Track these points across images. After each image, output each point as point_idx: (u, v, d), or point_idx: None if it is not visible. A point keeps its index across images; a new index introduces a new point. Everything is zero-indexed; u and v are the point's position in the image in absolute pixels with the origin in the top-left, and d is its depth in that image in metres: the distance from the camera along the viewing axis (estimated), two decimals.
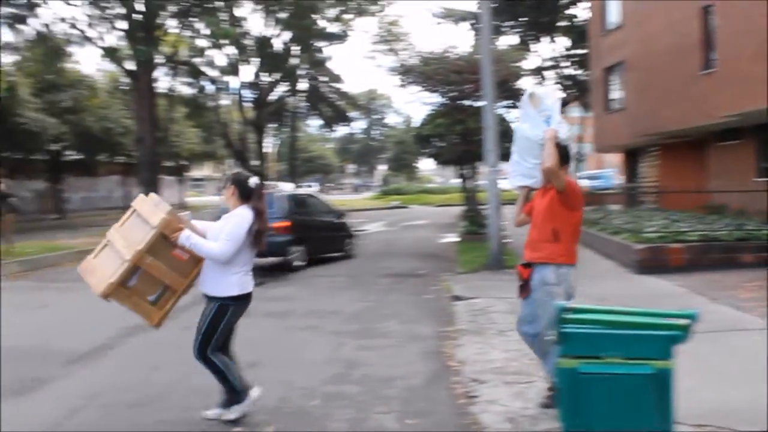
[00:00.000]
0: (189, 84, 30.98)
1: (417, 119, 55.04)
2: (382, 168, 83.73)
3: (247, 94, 33.94)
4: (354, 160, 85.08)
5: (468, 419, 4.57)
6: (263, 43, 28.40)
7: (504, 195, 12.25)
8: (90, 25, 22.19)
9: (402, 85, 18.93)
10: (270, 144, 40.61)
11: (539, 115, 4.88)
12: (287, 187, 44.79)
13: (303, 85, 37.61)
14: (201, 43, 27.18)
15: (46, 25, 21.98)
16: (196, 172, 61.41)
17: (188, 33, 25.50)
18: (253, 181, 4.74)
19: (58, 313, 8.75)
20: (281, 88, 35.66)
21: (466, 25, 31.94)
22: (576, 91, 33.12)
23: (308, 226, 13.18)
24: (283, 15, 28.50)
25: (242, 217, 4.57)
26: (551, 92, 5.41)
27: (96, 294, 4.49)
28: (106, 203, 35.58)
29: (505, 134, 12.33)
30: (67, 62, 25.61)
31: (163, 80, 26.23)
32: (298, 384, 5.27)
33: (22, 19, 21.19)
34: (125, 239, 4.63)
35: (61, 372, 5.93)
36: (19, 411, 4.91)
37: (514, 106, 17.05)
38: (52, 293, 10.25)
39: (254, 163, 34.72)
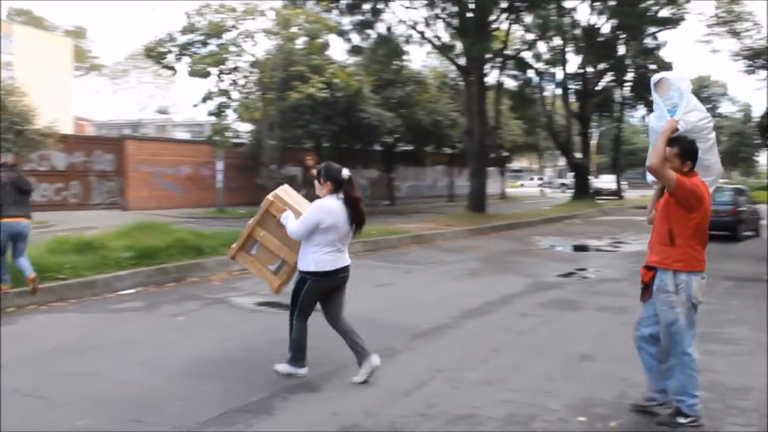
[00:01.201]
0: (514, 77, 31.59)
1: (759, 108, 49.75)
2: None
3: (572, 85, 33.58)
4: None
5: None
6: (591, 32, 27.81)
7: None
8: (427, 24, 23.66)
9: (748, 71, 17.21)
10: (592, 136, 39.70)
11: (664, 104, 4.52)
12: (608, 179, 43.50)
13: (630, 74, 36.12)
14: (529, 36, 27.48)
15: (388, 28, 23.92)
16: (515, 164, 62.50)
17: (517, 27, 25.95)
18: (345, 172, 5.30)
19: (399, 291, 9.56)
20: (607, 78, 34.65)
21: None
22: None
23: (744, 210, 17.83)
24: (612, 2, 27.63)
25: (320, 205, 5.23)
26: (683, 78, 4.66)
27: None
28: (431, 192, 37.81)
29: None
30: (402, 61, 27.61)
31: (491, 74, 26.98)
32: (636, 380, 5.17)
33: (369, 25, 23.33)
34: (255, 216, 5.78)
35: (408, 345, 6.50)
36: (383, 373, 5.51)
37: None
38: (392, 272, 11.19)
39: (577, 155, 34.27)
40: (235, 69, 13.81)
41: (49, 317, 7.54)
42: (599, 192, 38.53)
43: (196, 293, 8.97)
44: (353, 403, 4.84)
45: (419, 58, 69.19)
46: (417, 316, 7.65)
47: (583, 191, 33.21)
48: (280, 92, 13.30)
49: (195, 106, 16.26)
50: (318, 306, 5.45)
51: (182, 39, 14.36)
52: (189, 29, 14.02)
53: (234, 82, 14.03)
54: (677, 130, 4.37)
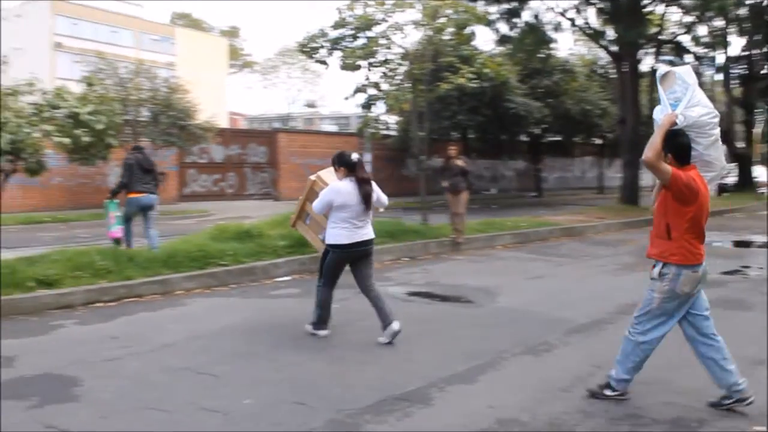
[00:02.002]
0: (670, 62, 29.90)
1: None
2: None
3: (735, 69, 31.41)
4: None
5: None
6: (758, 11, 25.83)
7: None
8: (578, 11, 22.88)
9: None
10: (756, 123, 36.96)
11: (667, 98, 4.49)
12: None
13: None
14: (687, 18, 25.91)
15: (536, 16, 23.34)
16: None
17: (674, 9, 24.56)
18: (355, 156, 6.20)
19: (552, 285, 9.30)
20: None
21: None
22: None
23: None
24: None
25: (331, 186, 6.16)
26: (689, 72, 4.59)
27: None
28: (579, 183, 36.68)
29: None
30: (550, 49, 26.87)
31: (645, 60, 25.71)
32: None
33: (516, 13, 22.87)
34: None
35: (563, 339, 6.30)
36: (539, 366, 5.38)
37: None
38: (544, 265, 10.92)
39: (739, 144, 32.08)
40: (385, 61, 13.94)
41: (214, 301, 7.95)
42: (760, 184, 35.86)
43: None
44: (509, 396, 4.74)
45: (566, 46, 67.30)
46: (572, 310, 7.41)
47: (745, 183, 31.03)
48: (429, 83, 13.28)
49: (346, 98, 16.72)
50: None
51: (333, 34, 14.67)
52: (340, 24, 14.29)
53: (384, 75, 14.19)
54: (675, 124, 4.38)
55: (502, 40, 23.84)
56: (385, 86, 14.75)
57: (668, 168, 4.31)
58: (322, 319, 6.31)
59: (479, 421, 4.30)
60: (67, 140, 7.58)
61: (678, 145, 4.39)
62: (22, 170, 7.72)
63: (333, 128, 55.73)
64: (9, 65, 7.94)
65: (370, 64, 14.13)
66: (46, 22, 49.59)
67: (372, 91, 15.22)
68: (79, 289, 7.63)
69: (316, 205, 6.18)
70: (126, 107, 18.34)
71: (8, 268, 7.66)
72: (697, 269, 4.45)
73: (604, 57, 27.87)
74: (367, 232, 6.17)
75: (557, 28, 23.95)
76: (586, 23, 23.53)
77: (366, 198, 6.04)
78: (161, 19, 65.13)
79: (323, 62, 15.19)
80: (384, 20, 13.38)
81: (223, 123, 36.30)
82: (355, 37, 14.28)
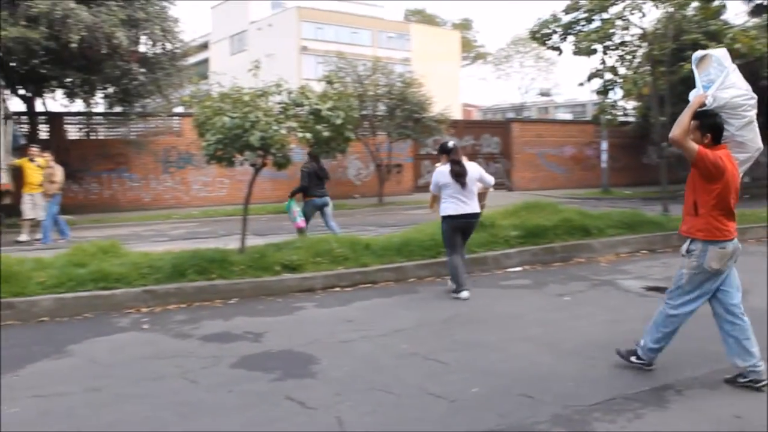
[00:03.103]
0: None
1: None
2: None
3: None
4: None
5: None
6: None
7: None
8: None
9: None
10: None
11: (701, 80, 4.69)
12: None
13: None
14: None
15: None
16: None
17: None
18: (451, 144, 7.75)
19: None
20: None
21: None
22: None
23: None
24: None
25: (436, 170, 7.70)
26: (726, 56, 4.71)
27: None
28: None
29: None
30: None
31: None
32: None
33: None
34: None
35: None
36: None
37: None
38: None
39: None
40: (622, 44, 13.23)
41: (444, 289, 8.07)
42: None
43: (582, 274, 8.85)
44: (761, 406, 4.28)
45: None
46: None
47: None
48: (671, 65, 12.38)
49: (581, 85, 16.07)
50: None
51: (566, 18, 14.19)
52: (573, 8, 13.79)
53: (620, 58, 13.48)
54: (704, 105, 4.55)
55: (757, 10, 21.57)
56: (622, 70, 14.03)
57: (694, 146, 4.51)
58: (458, 283, 7.58)
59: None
60: (309, 135, 8.08)
61: (713, 125, 4.59)
62: (271, 164, 8.38)
63: (568, 116, 54.26)
64: (261, 69, 8.59)
65: (606, 48, 13.52)
66: (294, 28, 53.57)
67: (608, 76, 14.52)
68: (319, 274, 8.17)
69: (431, 185, 7.77)
70: (363, 103, 19.26)
71: (258, 253, 8.42)
72: (725, 245, 4.58)
73: None
74: (472, 207, 7.61)
75: None
76: None
77: (455, 176, 7.48)
78: (397, 17, 67.59)
79: (556, 48, 14.73)
80: (620, 0, 12.73)
81: (457, 115, 36.79)
82: (589, 20, 13.71)
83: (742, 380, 4.61)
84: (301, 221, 10.67)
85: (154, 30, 17.59)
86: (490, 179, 8.02)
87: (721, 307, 4.70)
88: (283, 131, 7.96)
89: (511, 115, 53.54)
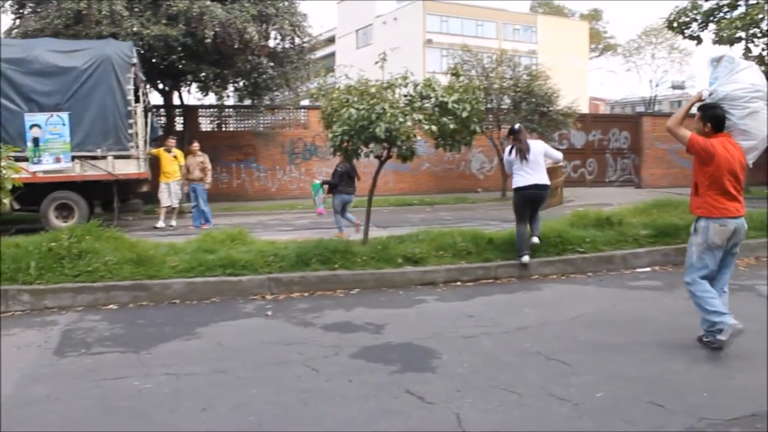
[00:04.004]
0: None
1: None
2: None
3: None
4: None
5: None
6: None
7: None
8: None
9: None
10: None
11: (711, 78, 5.39)
12: None
13: None
14: None
15: None
16: None
17: None
18: (517, 126, 8.69)
19: None
20: None
21: None
22: None
23: None
24: None
25: (506, 149, 8.76)
26: (735, 58, 5.48)
27: None
28: None
29: None
30: None
31: None
32: None
33: None
34: None
35: None
36: None
37: None
38: None
39: None
40: None
41: (569, 288, 7.81)
42: None
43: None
44: None
45: None
46: None
47: None
48: None
49: None
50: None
51: (707, 5, 13.39)
52: None
53: None
54: (701, 99, 5.36)
55: None
56: None
57: (686, 133, 5.32)
58: (519, 249, 8.36)
59: None
60: (434, 128, 8.01)
61: (712, 115, 5.27)
62: (396, 157, 8.37)
63: None
64: (387, 62, 8.59)
65: (752, 36, 12.62)
66: (419, 21, 53.70)
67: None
68: (441, 268, 8.08)
69: (504, 163, 8.85)
70: (488, 95, 18.99)
71: (381, 245, 8.43)
72: (724, 222, 5.20)
73: None
74: (537, 178, 8.39)
75: None
76: None
77: (517, 151, 8.39)
78: (522, 9, 66.33)
79: (695, 38, 13.97)
80: None
81: (584, 108, 35.65)
82: (733, 6, 12.88)
83: (705, 339, 5.41)
84: (322, 208, 12.42)
85: (283, 25, 18.08)
86: (557, 154, 8.93)
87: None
88: (409, 123, 7.91)
89: (640, 109, 51.41)
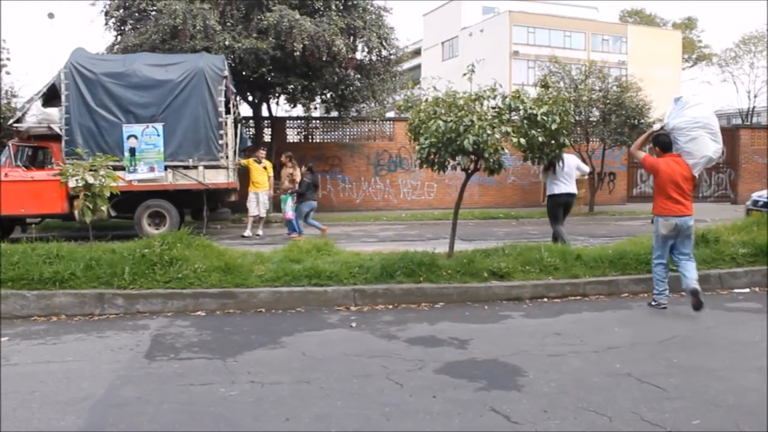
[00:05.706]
0: None
1: None
2: None
3: None
4: None
5: None
6: None
7: None
8: None
9: None
10: None
11: (667, 113, 7.45)
12: None
13: None
14: None
15: None
16: None
17: None
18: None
19: None
20: None
21: None
22: None
23: None
24: None
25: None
26: (688, 98, 7.41)
27: None
28: None
29: None
30: None
31: None
32: None
33: None
34: None
35: None
36: None
37: None
38: None
39: None
40: None
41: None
42: None
43: None
44: None
45: None
46: None
47: None
48: None
49: None
50: None
51: None
52: None
53: None
54: (656, 130, 7.54)
55: None
56: None
57: (641, 154, 7.56)
58: (563, 240, 9.80)
59: None
60: (523, 140, 7.88)
61: (658, 141, 7.37)
62: (482, 169, 8.26)
63: None
64: (474, 74, 8.50)
65: None
66: (506, 33, 53.24)
67: None
68: (528, 283, 7.91)
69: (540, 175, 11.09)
70: (577, 107, 18.61)
71: (466, 258, 8.32)
72: (667, 219, 7.16)
73: None
74: (569, 188, 10.18)
75: None
76: None
77: (549, 164, 9.43)
78: (612, 19, 64.84)
79: None
80: None
81: None
82: None
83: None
84: (291, 214, 13.91)
85: (370, 38, 18.24)
86: (586, 168, 11.51)
87: (672, 255, 7.44)
88: (497, 136, 7.80)
89: (737, 121, 49.30)
